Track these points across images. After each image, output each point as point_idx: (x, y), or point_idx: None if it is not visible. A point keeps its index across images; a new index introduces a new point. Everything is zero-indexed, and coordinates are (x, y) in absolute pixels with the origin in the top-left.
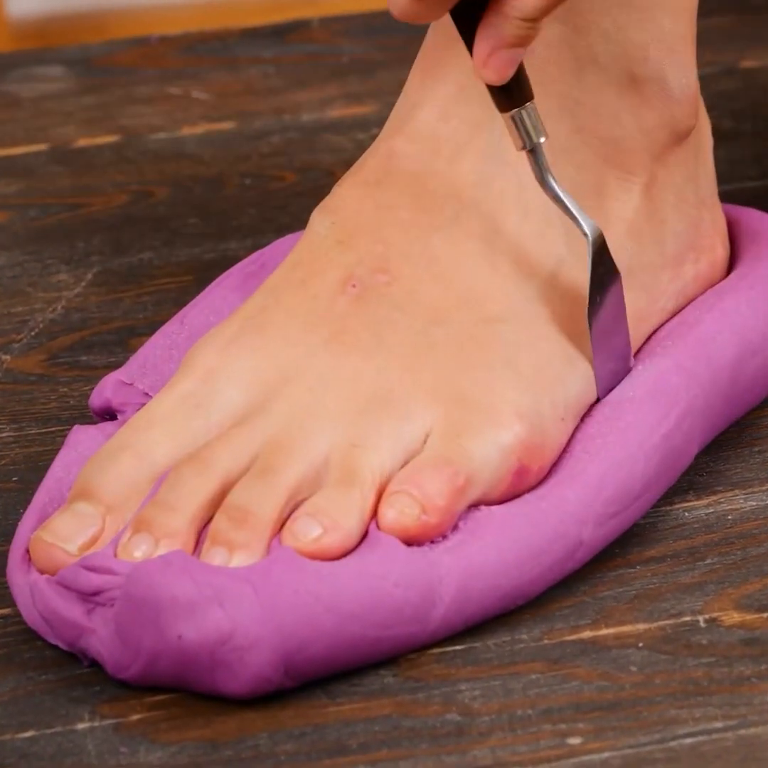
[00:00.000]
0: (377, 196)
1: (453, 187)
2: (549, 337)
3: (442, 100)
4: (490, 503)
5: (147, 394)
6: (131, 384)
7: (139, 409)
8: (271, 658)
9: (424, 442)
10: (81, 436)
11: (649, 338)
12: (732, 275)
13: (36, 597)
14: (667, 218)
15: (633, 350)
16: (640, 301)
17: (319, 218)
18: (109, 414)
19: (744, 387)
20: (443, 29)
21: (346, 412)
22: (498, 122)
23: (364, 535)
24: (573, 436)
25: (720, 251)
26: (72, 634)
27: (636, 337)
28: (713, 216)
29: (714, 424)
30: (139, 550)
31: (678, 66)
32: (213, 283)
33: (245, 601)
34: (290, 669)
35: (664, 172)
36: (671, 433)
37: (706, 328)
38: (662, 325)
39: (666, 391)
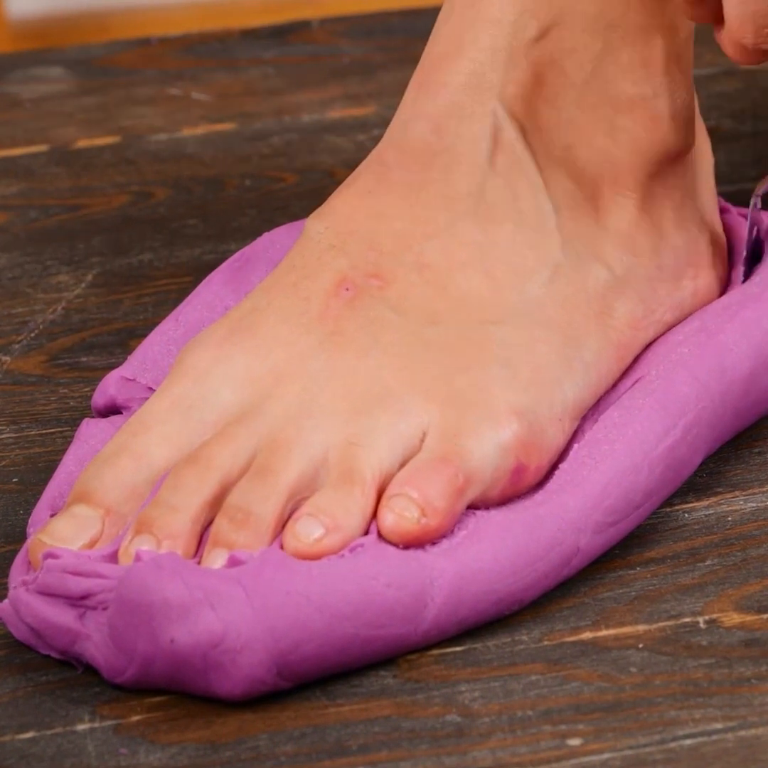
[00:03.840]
0: (371, 205)
1: (447, 198)
2: (546, 340)
3: (436, 115)
4: (488, 502)
5: (150, 388)
6: (134, 380)
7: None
8: (263, 659)
9: (421, 440)
10: (92, 429)
11: (650, 344)
12: (754, 280)
13: (21, 610)
14: (665, 233)
15: (630, 358)
16: (637, 311)
17: (313, 224)
18: (113, 412)
19: (755, 400)
20: (439, 46)
21: (342, 411)
22: (492, 137)
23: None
24: (580, 439)
25: (720, 269)
26: (65, 640)
27: (633, 345)
28: (713, 234)
29: (720, 435)
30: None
31: (672, 86)
32: (203, 281)
33: (236, 603)
34: (283, 670)
35: (661, 189)
36: (677, 444)
37: (725, 339)
38: (659, 335)
39: (676, 402)
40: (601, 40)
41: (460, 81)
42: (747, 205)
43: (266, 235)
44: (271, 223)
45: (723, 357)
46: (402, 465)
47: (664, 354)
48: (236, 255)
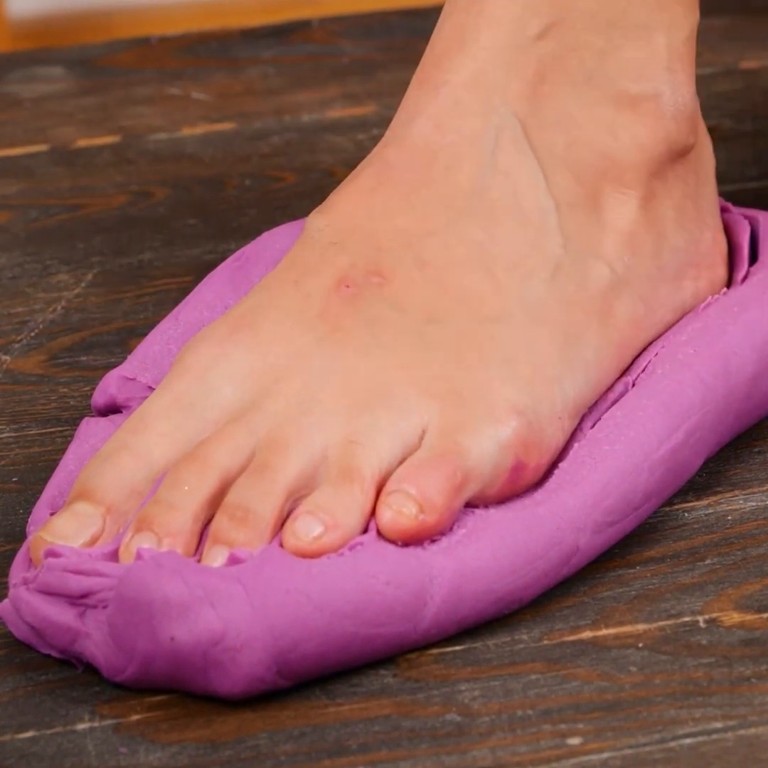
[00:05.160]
0: (372, 203)
1: (448, 196)
2: (546, 338)
3: (437, 113)
4: (487, 500)
5: (150, 387)
6: (134, 379)
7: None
8: (263, 658)
9: (421, 438)
10: (92, 428)
11: (651, 344)
12: (755, 281)
13: (22, 608)
14: (666, 232)
15: (630, 358)
16: (638, 310)
17: (314, 221)
18: (113, 411)
19: (756, 403)
20: (441, 44)
21: (342, 408)
22: (494, 134)
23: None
24: (579, 438)
25: (720, 271)
26: (66, 639)
27: (633, 345)
28: (715, 235)
29: (721, 437)
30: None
31: (675, 84)
32: (203, 281)
33: (236, 602)
34: (283, 668)
35: (662, 188)
36: (679, 447)
37: (729, 340)
38: (660, 335)
39: (681, 404)
40: (604, 38)
41: (461, 79)
42: (747, 205)
43: (266, 235)
44: (271, 223)
45: (728, 360)
46: (402, 462)
47: (668, 354)
48: (236, 254)
